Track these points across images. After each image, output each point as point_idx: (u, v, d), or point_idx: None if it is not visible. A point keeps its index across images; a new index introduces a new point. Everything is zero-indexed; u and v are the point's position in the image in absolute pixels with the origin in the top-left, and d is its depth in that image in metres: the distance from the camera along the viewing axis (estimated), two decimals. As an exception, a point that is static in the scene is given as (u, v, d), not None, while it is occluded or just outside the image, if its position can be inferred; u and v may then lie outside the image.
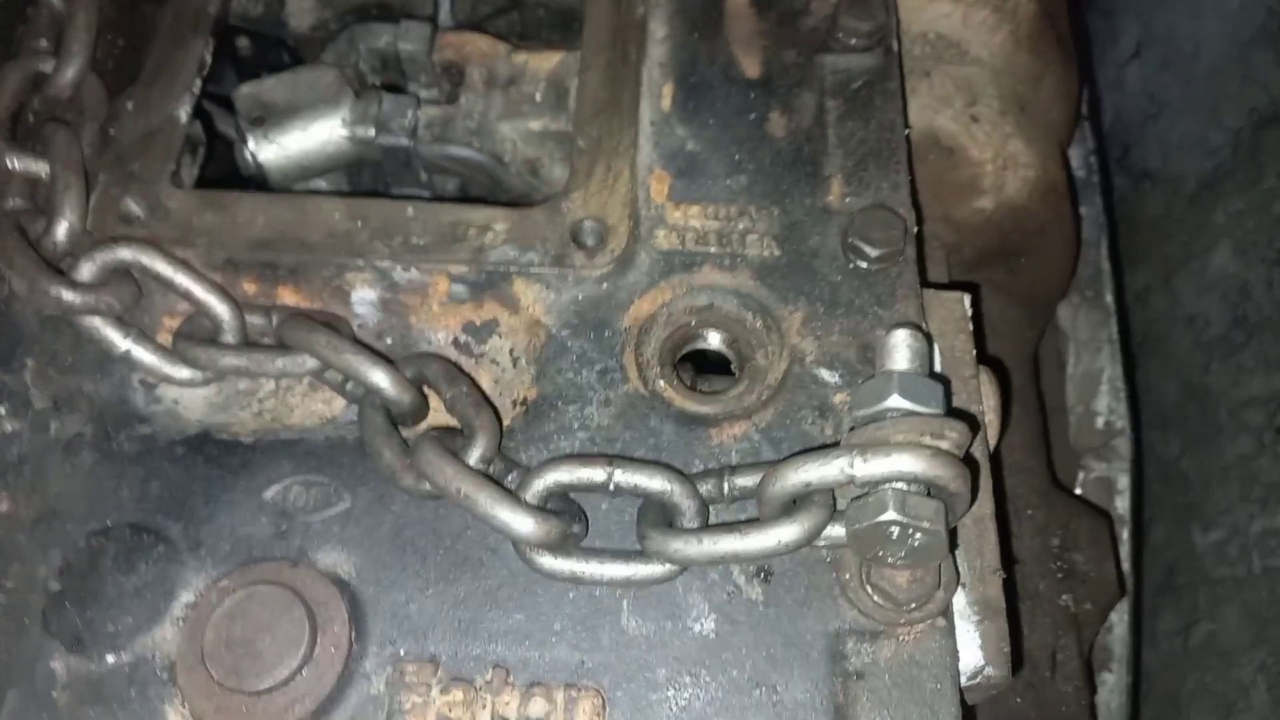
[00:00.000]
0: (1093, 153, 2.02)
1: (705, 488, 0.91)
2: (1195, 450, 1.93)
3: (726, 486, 0.91)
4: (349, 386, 0.98)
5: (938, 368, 1.07)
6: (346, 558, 0.93)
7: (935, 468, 0.80)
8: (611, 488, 0.89)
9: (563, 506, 0.93)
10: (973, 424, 0.90)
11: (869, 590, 0.89)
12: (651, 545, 0.87)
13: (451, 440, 0.94)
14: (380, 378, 0.94)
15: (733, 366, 1.11)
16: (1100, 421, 1.86)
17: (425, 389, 0.99)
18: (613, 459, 0.90)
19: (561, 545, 0.89)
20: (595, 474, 0.89)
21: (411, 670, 0.89)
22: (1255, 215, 1.76)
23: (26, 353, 1.02)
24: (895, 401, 0.87)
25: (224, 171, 1.30)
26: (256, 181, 1.29)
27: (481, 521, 0.88)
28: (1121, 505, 1.79)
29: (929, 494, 0.83)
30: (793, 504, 0.86)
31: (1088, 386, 1.90)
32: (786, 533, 0.84)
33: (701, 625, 0.91)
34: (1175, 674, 1.88)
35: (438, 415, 1.01)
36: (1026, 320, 1.62)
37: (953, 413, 0.97)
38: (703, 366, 1.15)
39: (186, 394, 1.02)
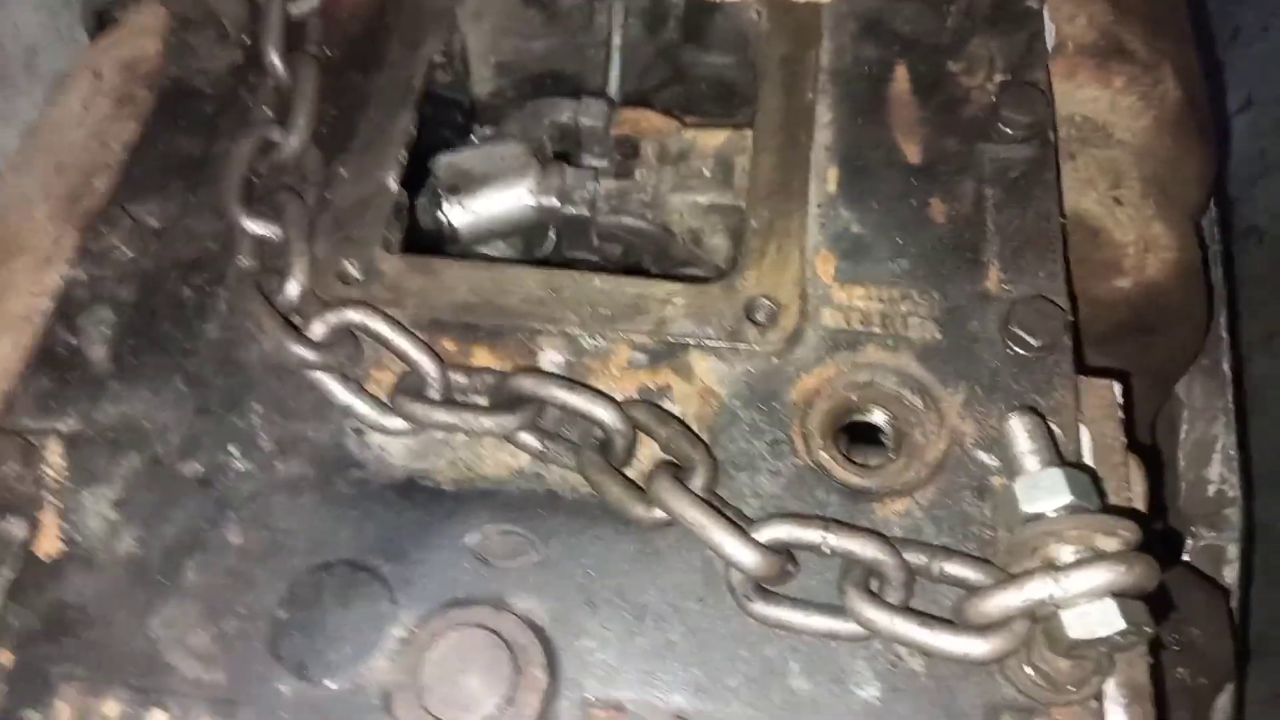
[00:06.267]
0: (1215, 223, 2.03)
1: (912, 559, 0.97)
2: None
3: (935, 569, 0.96)
4: (547, 445, 1.08)
5: (1087, 454, 1.13)
6: (540, 604, 1.02)
7: (1137, 577, 0.84)
8: (826, 550, 0.96)
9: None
10: (1141, 521, 0.95)
11: (1028, 671, 0.95)
12: (850, 604, 0.94)
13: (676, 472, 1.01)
14: (607, 414, 1.04)
15: (884, 438, 1.17)
16: (1212, 490, 1.87)
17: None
18: (828, 522, 0.97)
19: (780, 580, 0.97)
20: (811, 535, 0.96)
21: (600, 715, 0.97)
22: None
23: (255, 399, 1.13)
24: (1065, 499, 0.93)
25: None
26: (443, 237, 1.40)
27: (710, 549, 0.96)
28: (1230, 575, 1.81)
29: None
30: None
31: (1200, 454, 1.91)
32: (975, 647, 0.90)
33: (865, 691, 0.98)
34: (1266, 745, 1.87)
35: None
36: (1151, 392, 1.66)
37: (1112, 509, 1.03)
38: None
39: (391, 442, 1.12)
